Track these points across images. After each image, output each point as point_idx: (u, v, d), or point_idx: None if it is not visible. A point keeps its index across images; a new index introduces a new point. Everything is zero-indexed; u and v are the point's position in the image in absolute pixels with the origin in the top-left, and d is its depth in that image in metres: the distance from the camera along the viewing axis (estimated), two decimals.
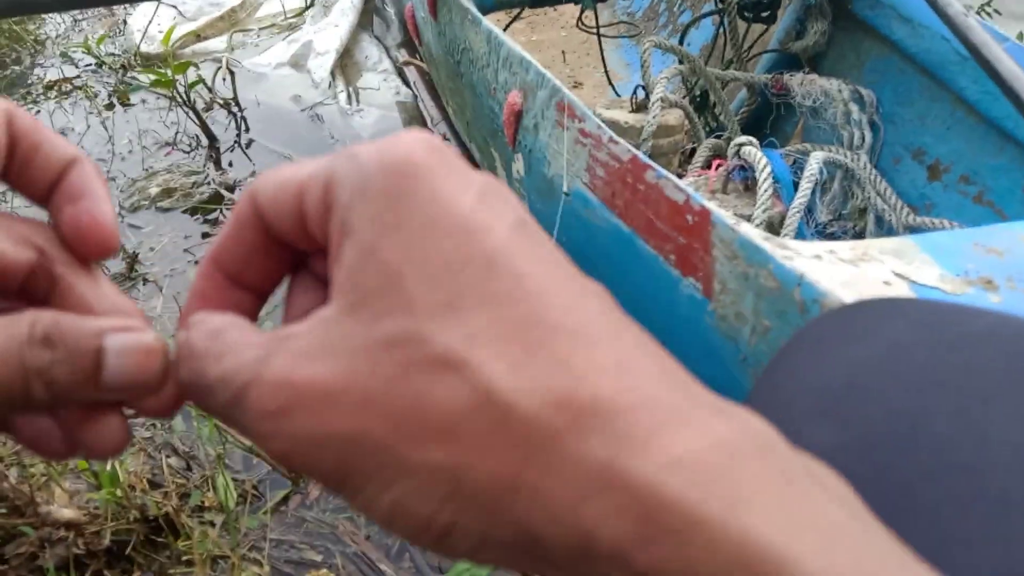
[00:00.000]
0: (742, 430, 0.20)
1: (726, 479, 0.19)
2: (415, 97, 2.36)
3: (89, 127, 2.28)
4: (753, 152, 1.24)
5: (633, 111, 1.45)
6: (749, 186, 1.29)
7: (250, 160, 2.11)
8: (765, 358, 0.85)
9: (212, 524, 1.19)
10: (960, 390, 0.34)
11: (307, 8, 2.83)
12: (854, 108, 1.41)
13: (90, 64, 2.62)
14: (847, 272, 0.82)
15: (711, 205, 0.90)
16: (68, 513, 1.15)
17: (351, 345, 0.20)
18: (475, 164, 1.92)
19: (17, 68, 2.64)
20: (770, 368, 0.45)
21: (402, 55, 2.52)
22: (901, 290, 0.81)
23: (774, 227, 1.21)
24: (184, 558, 1.15)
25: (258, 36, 2.76)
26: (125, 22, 2.84)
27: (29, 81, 2.56)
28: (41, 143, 0.26)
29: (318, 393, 0.20)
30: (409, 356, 0.20)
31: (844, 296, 0.78)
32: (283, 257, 0.25)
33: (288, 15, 2.82)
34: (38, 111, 2.38)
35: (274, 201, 0.23)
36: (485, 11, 1.69)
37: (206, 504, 1.22)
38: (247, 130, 2.26)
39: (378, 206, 0.21)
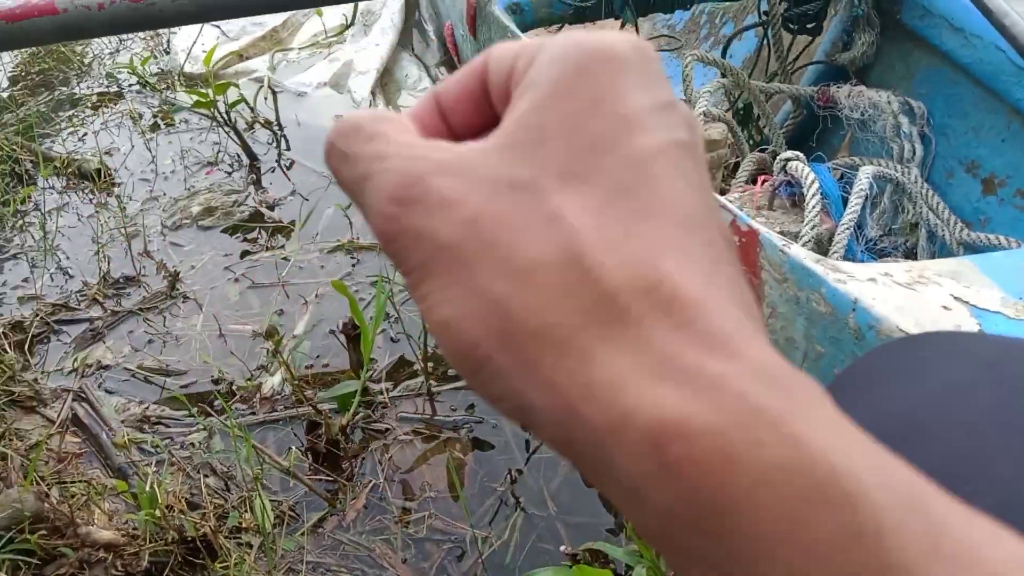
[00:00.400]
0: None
1: (790, 390, 0.19)
2: None
3: (133, 147, 2.32)
4: (800, 167, 1.20)
5: None
6: (796, 202, 1.25)
7: (290, 180, 2.13)
8: None
9: (249, 546, 1.19)
10: None
11: (348, 27, 2.85)
12: (904, 120, 1.36)
13: (134, 84, 2.67)
14: (903, 296, 0.78)
15: (759, 225, 0.87)
16: (107, 535, 1.15)
17: (484, 175, 0.22)
18: None
19: (64, 89, 2.70)
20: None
21: (442, 73, 2.52)
22: (961, 315, 0.77)
23: (822, 244, 1.18)
24: None
25: (299, 55, 2.78)
26: (169, 42, 2.89)
27: (77, 97, 2.61)
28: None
29: (439, 200, 0.22)
30: (524, 201, 0.22)
31: (901, 322, 0.74)
32: (484, 113, 0.27)
33: (329, 34, 2.84)
34: (84, 132, 2.42)
35: (499, 57, 0.25)
36: (525, 28, 1.68)
37: (243, 525, 1.22)
38: (288, 149, 2.27)
39: (562, 73, 0.23)
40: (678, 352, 0.19)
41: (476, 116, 0.27)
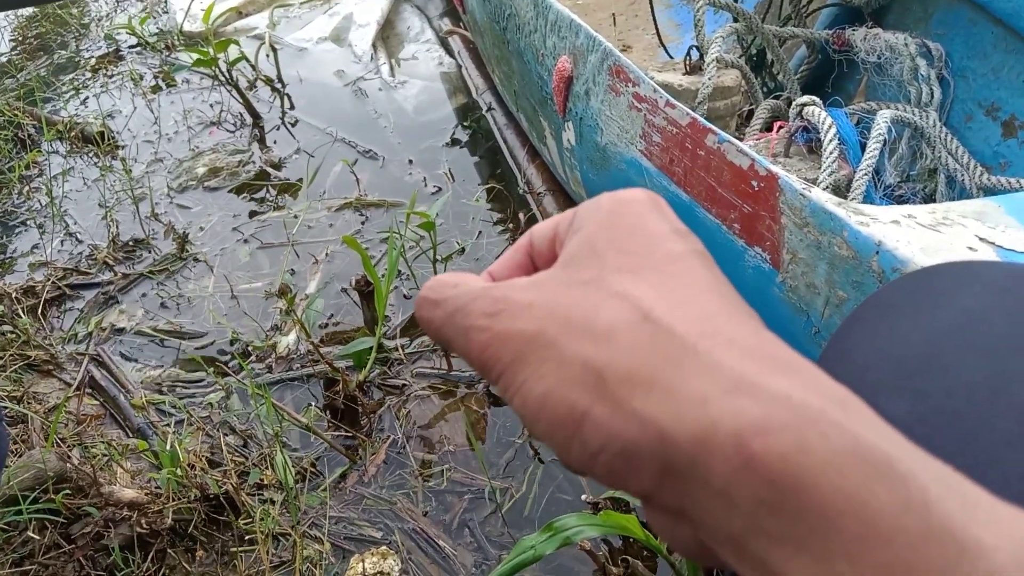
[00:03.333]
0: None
1: (842, 401, 0.23)
2: (459, 67, 2.32)
3: (135, 109, 2.30)
4: (817, 112, 1.18)
5: (687, 73, 1.39)
6: (813, 148, 1.23)
7: (294, 138, 2.10)
8: None
9: (272, 502, 1.20)
10: None
11: None
12: (921, 63, 1.33)
13: (135, 45, 2.63)
14: (928, 238, 0.77)
15: (778, 169, 0.85)
16: (130, 493, 1.16)
17: (554, 282, 0.28)
18: (523, 134, 1.88)
19: (64, 52, 2.66)
20: (839, 335, 0.43)
21: (445, 24, 2.48)
22: (987, 256, 0.76)
23: (840, 191, 1.16)
24: (246, 537, 1.15)
25: (299, 10, 2.73)
26: (167, 1, 2.84)
27: (76, 60, 2.58)
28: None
29: (522, 306, 0.27)
30: (592, 289, 0.27)
31: (926, 264, 0.73)
32: (527, 272, 0.34)
33: None
34: (86, 96, 2.40)
35: (540, 228, 0.33)
36: None
37: (265, 482, 1.23)
38: (291, 107, 2.24)
39: (601, 214, 0.30)
40: (746, 372, 0.23)
41: (518, 274, 0.34)
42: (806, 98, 1.22)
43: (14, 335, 1.51)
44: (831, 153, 1.12)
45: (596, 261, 0.28)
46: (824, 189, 1.11)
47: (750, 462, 0.21)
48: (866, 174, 1.13)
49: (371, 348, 1.35)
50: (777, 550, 0.22)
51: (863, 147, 1.18)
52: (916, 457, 0.22)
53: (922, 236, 0.77)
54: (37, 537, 1.12)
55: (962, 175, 1.23)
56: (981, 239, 0.78)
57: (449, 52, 2.40)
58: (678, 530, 0.25)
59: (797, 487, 0.21)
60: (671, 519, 0.25)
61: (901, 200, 1.27)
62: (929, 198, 1.28)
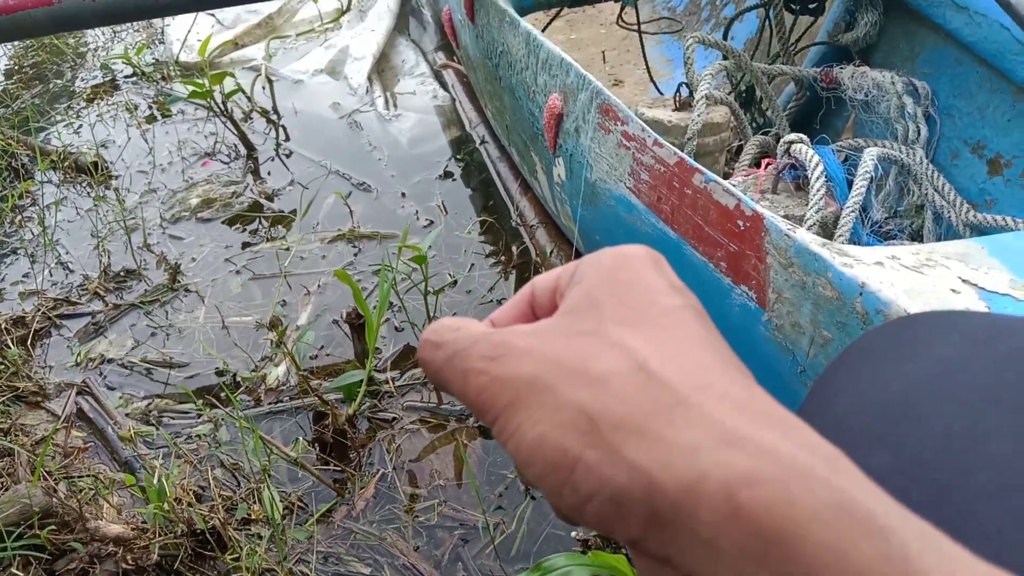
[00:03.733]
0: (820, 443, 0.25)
1: (828, 457, 0.23)
2: (453, 100, 2.34)
3: (130, 139, 2.31)
4: (804, 149, 1.20)
5: (676, 109, 1.41)
6: (800, 185, 1.24)
7: (288, 169, 2.12)
8: None
9: (259, 537, 1.19)
10: (1018, 407, 0.34)
11: (343, 13, 2.83)
12: (908, 101, 1.35)
13: (131, 75, 2.65)
14: (911, 280, 0.78)
15: (763, 210, 0.86)
16: (116, 528, 1.16)
17: (554, 331, 0.29)
18: (515, 168, 1.89)
19: (59, 81, 2.68)
20: (819, 384, 0.44)
21: (439, 58, 2.50)
22: (969, 298, 0.76)
23: (827, 227, 1.17)
24: (232, 573, 1.14)
25: (295, 42, 2.76)
26: (163, 32, 2.87)
27: (72, 90, 2.60)
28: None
29: (521, 350, 0.28)
30: (591, 338, 0.27)
31: (909, 306, 0.74)
32: (528, 322, 0.35)
33: (325, 20, 2.82)
34: (80, 125, 2.41)
35: (543, 280, 0.34)
36: (523, 12, 1.66)
37: (252, 517, 1.22)
38: (286, 139, 2.26)
39: (602, 270, 0.30)
40: (737, 426, 0.24)
41: (519, 321, 0.35)
42: (794, 136, 1.24)
43: (3, 366, 1.50)
44: (818, 190, 1.14)
45: (595, 312, 0.29)
46: (811, 226, 1.12)
47: (737, 512, 0.22)
48: (853, 211, 1.14)
49: (361, 381, 1.35)
50: None
51: (850, 184, 1.20)
52: (898, 513, 0.23)
53: (906, 278, 0.78)
54: (21, 574, 1.11)
55: (948, 212, 1.24)
56: (964, 280, 0.79)
57: (443, 85, 2.42)
58: None
59: (783, 539, 0.21)
60: (657, 566, 0.25)
61: (888, 236, 1.28)
62: (916, 234, 1.29)
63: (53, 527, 1.13)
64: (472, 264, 1.72)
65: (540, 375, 0.27)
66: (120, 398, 1.46)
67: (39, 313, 1.63)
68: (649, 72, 1.85)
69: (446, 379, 0.30)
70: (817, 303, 0.80)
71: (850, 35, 1.50)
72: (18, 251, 1.87)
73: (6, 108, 2.50)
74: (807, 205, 1.15)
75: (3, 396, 1.44)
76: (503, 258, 1.74)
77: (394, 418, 1.38)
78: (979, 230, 1.20)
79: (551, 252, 1.65)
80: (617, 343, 0.27)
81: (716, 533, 0.22)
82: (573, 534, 1.16)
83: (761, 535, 0.22)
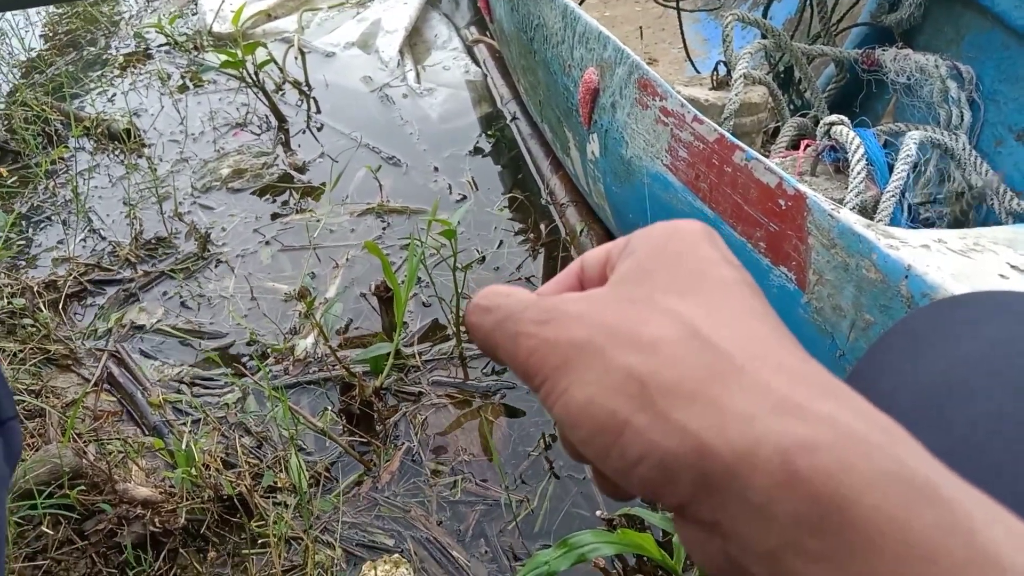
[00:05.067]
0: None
1: (886, 428, 0.23)
2: (485, 76, 2.32)
3: (163, 108, 2.31)
4: (845, 131, 1.17)
5: (714, 88, 1.39)
6: (840, 168, 1.22)
7: (319, 142, 2.11)
8: None
9: (285, 505, 1.20)
10: None
11: None
12: (952, 85, 1.32)
13: (163, 45, 2.66)
14: (958, 264, 0.76)
15: (806, 188, 0.85)
16: (144, 491, 1.17)
17: (605, 298, 0.28)
18: (547, 145, 1.87)
19: (93, 49, 2.69)
20: (864, 363, 0.43)
21: (472, 33, 2.48)
22: (1018, 283, 0.75)
23: (866, 212, 1.15)
24: (258, 539, 1.15)
25: (328, 14, 2.75)
26: (197, 2, 2.87)
27: (105, 58, 2.61)
28: None
29: (571, 315, 0.28)
30: (642, 305, 0.27)
31: (956, 290, 0.72)
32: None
33: None
34: (113, 93, 2.42)
35: (593, 254, 0.34)
36: None
37: (279, 485, 1.23)
38: (317, 111, 2.25)
39: (655, 242, 0.30)
40: (793, 394, 0.23)
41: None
42: (834, 117, 1.21)
43: (35, 329, 1.52)
44: (859, 173, 1.11)
45: (647, 281, 0.28)
46: (851, 210, 1.10)
47: (794, 478, 0.22)
48: (894, 196, 1.11)
49: (388, 354, 1.35)
50: (814, 569, 0.22)
51: (891, 168, 1.17)
52: (959, 484, 0.22)
53: (953, 262, 0.76)
54: (51, 532, 1.12)
55: (992, 199, 1.21)
56: (1012, 267, 0.77)
57: (475, 61, 2.40)
58: (708, 545, 0.25)
59: (840, 506, 0.21)
60: (703, 533, 0.25)
61: (927, 223, 1.25)
62: (956, 222, 1.26)
63: (83, 488, 1.14)
64: (501, 241, 1.72)
65: (590, 339, 0.26)
66: (150, 365, 1.47)
67: (71, 278, 1.65)
68: (686, 50, 1.82)
69: (495, 343, 0.30)
70: (860, 285, 0.79)
71: (893, 16, 1.47)
72: (52, 217, 1.89)
73: (41, 75, 2.52)
74: (846, 188, 1.13)
75: (35, 358, 1.46)
76: (532, 236, 1.73)
77: (420, 392, 1.38)
78: (1023, 218, 1.17)
79: (581, 231, 1.63)
80: (669, 310, 0.27)
81: (769, 499, 0.22)
82: (598, 513, 1.15)
83: (818, 501, 0.21)
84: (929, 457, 0.23)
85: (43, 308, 1.57)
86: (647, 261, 0.29)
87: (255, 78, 2.17)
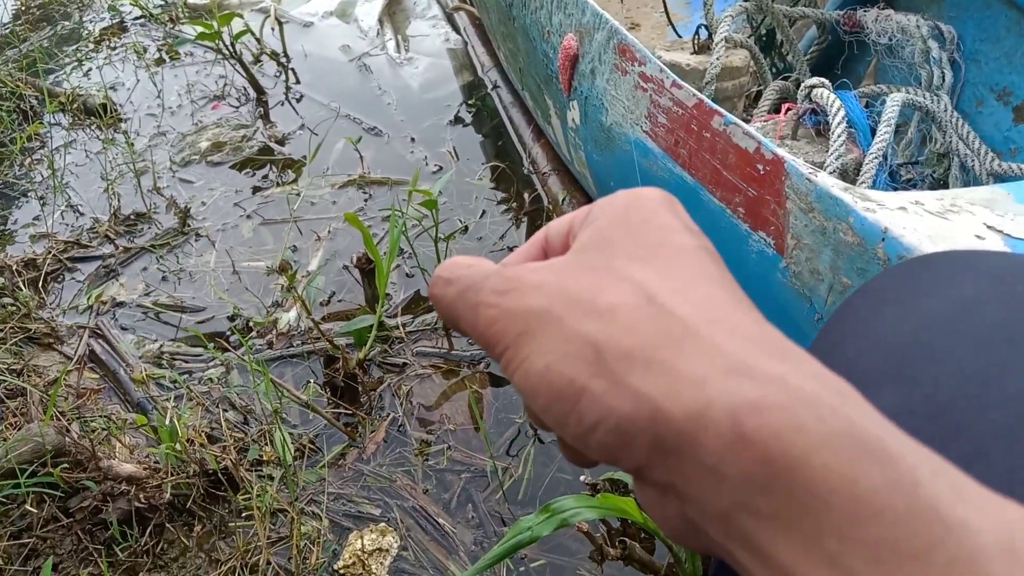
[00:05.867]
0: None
1: (838, 389, 0.23)
2: (465, 44, 2.29)
3: (139, 81, 2.28)
4: (825, 94, 1.17)
5: (695, 52, 1.37)
6: (821, 131, 1.21)
7: (298, 114, 2.09)
8: None
9: (271, 478, 1.20)
10: None
11: None
12: (933, 45, 1.31)
13: (139, 17, 2.61)
14: (935, 225, 0.76)
15: (784, 153, 0.84)
16: (129, 467, 1.17)
17: (565, 267, 0.28)
18: (528, 113, 1.86)
19: (67, 23, 2.64)
20: (832, 324, 0.43)
21: (452, 0, 2.45)
22: (995, 244, 0.75)
23: (848, 175, 1.14)
24: (244, 512, 1.15)
25: None
26: None
27: (79, 32, 2.56)
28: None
29: (531, 284, 0.28)
30: (601, 273, 0.27)
31: (932, 252, 0.72)
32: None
33: None
34: (88, 68, 2.38)
35: (556, 223, 0.34)
36: None
37: (264, 458, 1.23)
38: (296, 82, 2.23)
39: (616, 211, 0.30)
40: (745, 357, 0.24)
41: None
42: (815, 80, 1.20)
43: (14, 307, 1.50)
44: (839, 136, 1.11)
45: (607, 249, 0.29)
46: (831, 173, 1.10)
47: (743, 439, 0.22)
48: (876, 158, 1.11)
49: (372, 326, 1.35)
50: (766, 528, 0.22)
51: (872, 130, 1.17)
52: (907, 442, 0.23)
53: (929, 223, 0.76)
54: (35, 511, 1.12)
55: (972, 160, 1.21)
56: (989, 227, 0.77)
57: (455, 28, 2.37)
58: (666, 507, 0.26)
59: (789, 465, 0.21)
60: (660, 495, 0.25)
61: (909, 184, 1.25)
62: (937, 183, 1.26)
63: (66, 466, 1.14)
64: (483, 211, 1.71)
65: (549, 307, 0.27)
66: (132, 341, 1.46)
67: (50, 255, 1.63)
68: (667, 14, 1.80)
69: (457, 314, 0.30)
70: (837, 249, 0.78)
71: None
72: (28, 194, 1.86)
73: (14, 50, 2.47)
74: (827, 151, 1.13)
75: (15, 337, 1.45)
76: (515, 205, 1.72)
77: (405, 363, 1.38)
78: (1003, 179, 1.17)
79: (563, 200, 1.62)
80: (627, 277, 0.27)
81: (720, 460, 0.22)
82: (582, 478, 1.16)
83: (767, 461, 0.22)
84: (879, 416, 0.23)
85: (23, 287, 1.56)
86: (608, 229, 0.29)
87: (232, 49, 2.14)
